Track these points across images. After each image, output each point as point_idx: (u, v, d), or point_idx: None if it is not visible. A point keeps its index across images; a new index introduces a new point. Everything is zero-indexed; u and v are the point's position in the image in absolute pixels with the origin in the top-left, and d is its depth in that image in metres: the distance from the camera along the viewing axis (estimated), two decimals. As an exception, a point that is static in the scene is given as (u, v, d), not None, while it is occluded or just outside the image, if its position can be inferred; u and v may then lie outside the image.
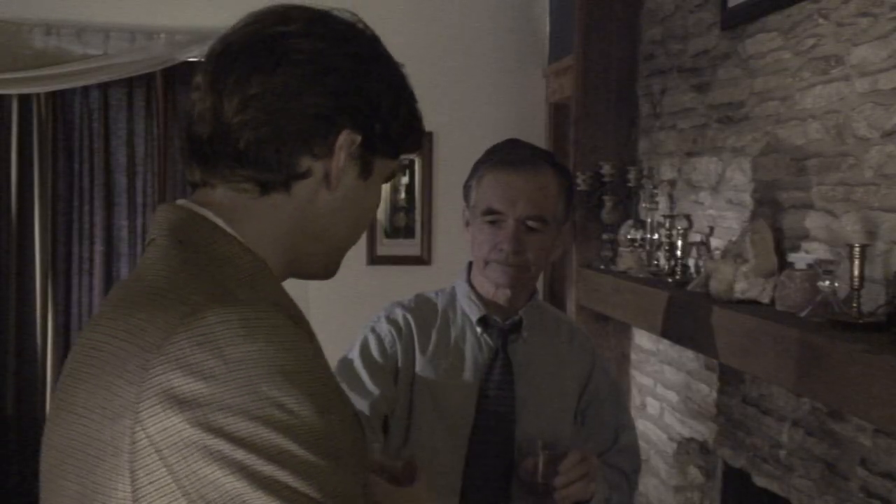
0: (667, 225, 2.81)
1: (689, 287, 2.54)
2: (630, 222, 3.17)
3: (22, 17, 4.09)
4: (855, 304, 1.86)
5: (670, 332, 2.60)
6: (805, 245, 2.23)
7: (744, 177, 2.56)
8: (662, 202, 3.01)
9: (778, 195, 2.36)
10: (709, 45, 2.80)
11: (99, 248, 4.31)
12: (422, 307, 1.87)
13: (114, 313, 0.92)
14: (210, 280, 0.90)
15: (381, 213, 4.30)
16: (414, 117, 1.06)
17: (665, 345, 3.07)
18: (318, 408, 0.85)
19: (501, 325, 1.82)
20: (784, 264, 2.25)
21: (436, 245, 4.33)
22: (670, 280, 2.73)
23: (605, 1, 3.43)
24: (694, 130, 2.90)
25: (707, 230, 2.75)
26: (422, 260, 4.35)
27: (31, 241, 4.22)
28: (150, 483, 0.82)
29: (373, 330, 1.83)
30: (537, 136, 4.32)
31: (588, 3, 3.44)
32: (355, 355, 1.82)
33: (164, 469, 0.81)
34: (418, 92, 1.07)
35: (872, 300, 1.89)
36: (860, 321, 1.83)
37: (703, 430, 2.79)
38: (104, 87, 4.26)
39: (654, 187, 3.08)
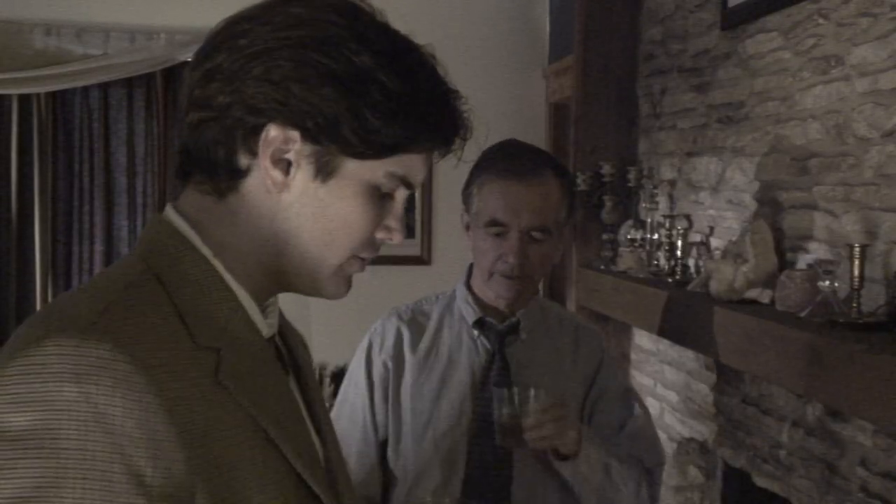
0: (667, 225, 2.81)
1: (689, 287, 2.54)
2: (630, 222, 3.18)
3: (22, 17, 4.09)
4: (855, 304, 1.86)
5: (670, 332, 2.60)
6: (805, 245, 2.23)
7: (744, 177, 2.56)
8: (662, 202, 3.01)
9: (778, 195, 2.36)
10: (709, 45, 2.80)
11: (99, 248, 4.31)
12: (417, 313, 1.89)
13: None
14: (90, 304, 0.82)
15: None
16: (405, 108, 0.90)
17: (665, 345, 3.07)
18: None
19: (498, 327, 1.82)
20: (784, 264, 2.25)
21: (436, 245, 4.33)
22: (670, 280, 2.73)
23: (605, 1, 3.43)
24: (694, 130, 2.90)
25: (707, 230, 2.75)
26: (422, 260, 4.35)
27: (31, 241, 4.22)
28: None
29: (365, 348, 1.87)
30: (537, 136, 4.32)
31: (588, 3, 3.44)
32: (348, 386, 1.88)
33: None
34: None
35: (872, 300, 1.89)
36: (860, 321, 1.83)
37: (703, 430, 2.79)
38: (104, 87, 4.25)
39: (654, 187, 3.08)
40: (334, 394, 1.94)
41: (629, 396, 1.92)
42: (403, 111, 0.90)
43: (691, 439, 2.88)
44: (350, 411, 1.85)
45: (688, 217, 2.87)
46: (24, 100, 4.16)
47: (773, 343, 1.98)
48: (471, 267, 1.88)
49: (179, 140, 0.93)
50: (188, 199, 0.93)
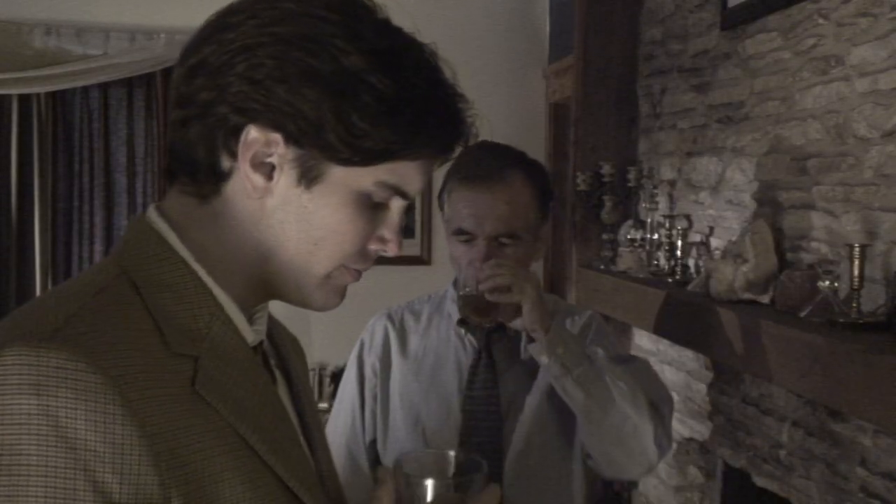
0: (667, 225, 2.81)
1: (689, 287, 2.54)
2: (630, 222, 3.18)
3: (22, 17, 4.10)
4: (855, 304, 1.86)
5: (670, 332, 2.60)
6: (805, 245, 2.23)
7: (744, 177, 2.56)
8: (662, 202, 3.01)
9: (778, 195, 2.36)
10: (709, 45, 2.80)
11: (99, 248, 4.31)
12: (408, 312, 1.90)
13: None
14: (56, 310, 0.78)
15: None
16: (397, 112, 0.84)
17: (665, 345, 3.07)
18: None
19: (484, 326, 1.82)
20: (784, 264, 2.25)
21: (436, 245, 4.33)
22: (670, 280, 2.73)
23: (605, 1, 3.43)
24: (694, 130, 2.90)
25: (707, 230, 2.75)
26: (422, 260, 4.36)
27: (31, 241, 4.22)
28: None
29: (357, 347, 1.88)
30: (537, 136, 4.33)
31: (588, 3, 3.44)
32: (343, 385, 1.89)
33: None
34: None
35: (872, 300, 1.89)
36: (860, 321, 1.83)
37: (703, 430, 2.79)
38: (104, 87, 4.26)
39: (654, 187, 3.08)
40: (334, 394, 1.96)
41: (625, 356, 1.86)
42: (395, 115, 0.84)
43: (691, 439, 2.88)
44: (342, 410, 1.87)
45: (688, 217, 2.87)
46: (24, 100, 4.17)
47: (773, 343, 1.98)
48: None
49: (167, 139, 0.90)
50: (172, 201, 0.89)
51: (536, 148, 4.14)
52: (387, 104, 0.83)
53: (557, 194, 1.98)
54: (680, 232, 2.74)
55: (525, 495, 1.75)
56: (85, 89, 4.24)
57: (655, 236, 2.98)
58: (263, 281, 0.89)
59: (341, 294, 0.93)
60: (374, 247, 0.91)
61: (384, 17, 0.88)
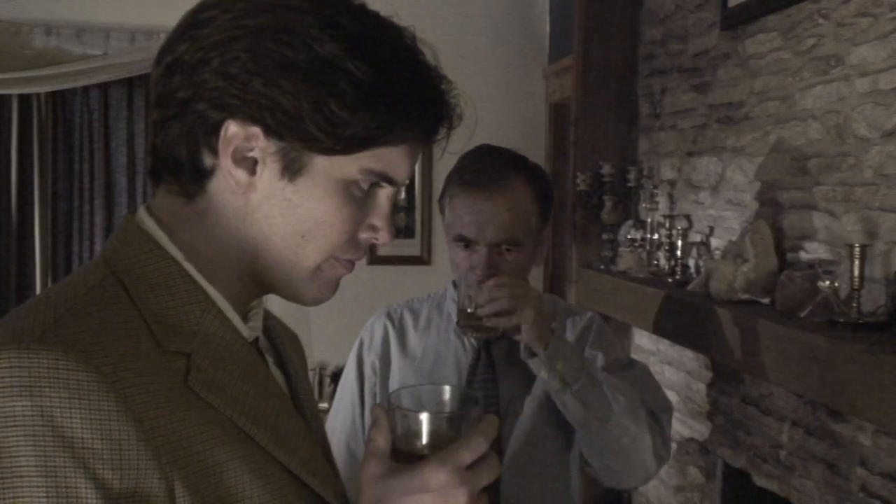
0: (667, 225, 2.81)
1: (689, 287, 2.54)
2: (630, 222, 3.18)
3: (22, 17, 4.09)
4: (855, 304, 1.86)
5: (670, 332, 2.60)
6: (805, 245, 2.23)
7: (744, 177, 2.56)
8: (662, 202, 3.01)
9: (778, 195, 2.36)
10: (709, 45, 2.80)
11: (99, 248, 4.31)
12: (407, 311, 1.90)
13: None
14: (46, 312, 0.77)
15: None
16: (376, 98, 0.83)
17: (665, 345, 3.07)
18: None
19: None
20: (784, 264, 2.25)
21: (436, 245, 4.33)
22: (670, 280, 2.73)
23: (605, 1, 3.43)
24: (694, 130, 2.91)
25: (707, 230, 2.75)
26: (422, 260, 4.36)
27: (31, 241, 4.22)
28: None
29: (357, 345, 1.89)
30: (537, 136, 4.33)
31: (588, 3, 3.44)
32: (342, 383, 1.89)
33: None
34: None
35: (872, 300, 1.89)
36: (860, 321, 1.83)
37: (703, 430, 2.79)
38: (104, 87, 4.25)
39: (654, 187, 3.08)
40: (335, 393, 1.96)
41: (625, 360, 1.85)
42: (374, 101, 0.82)
43: (691, 439, 2.88)
44: (342, 408, 1.87)
45: (688, 217, 2.87)
46: (24, 100, 4.16)
47: (773, 343, 1.98)
48: None
49: (149, 140, 0.89)
50: (160, 201, 0.89)
51: (536, 148, 4.15)
52: (365, 90, 0.82)
53: (557, 195, 1.97)
54: (680, 232, 2.74)
55: (524, 494, 1.75)
56: (85, 89, 4.24)
57: (655, 236, 2.99)
58: (255, 276, 0.89)
59: (333, 287, 0.92)
60: (364, 235, 0.90)
61: (359, 3, 0.87)
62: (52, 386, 0.71)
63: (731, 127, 2.65)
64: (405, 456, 0.85)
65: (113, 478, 0.72)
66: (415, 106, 0.85)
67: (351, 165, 0.85)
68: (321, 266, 0.88)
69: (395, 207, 0.91)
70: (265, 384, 0.89)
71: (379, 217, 0.90)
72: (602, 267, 3.27)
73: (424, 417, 0.85)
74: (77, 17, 4.14)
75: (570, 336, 1.85)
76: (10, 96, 4.14)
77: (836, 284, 1.94)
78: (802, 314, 2.00)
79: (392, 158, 0.87)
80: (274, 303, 1.00)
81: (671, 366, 3.07)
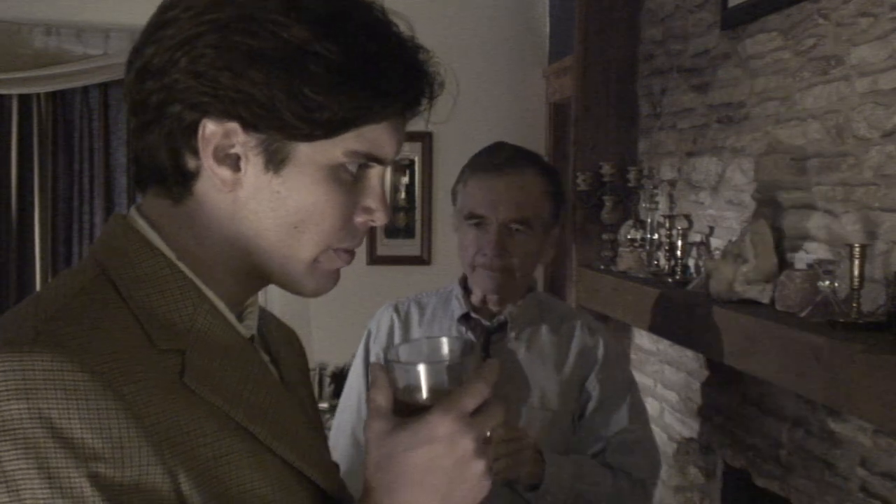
0: (667, 225, 2.81)
1: (689, 287, 2.54)
2: (630, 222, 3.17)
3: (22, 17, 4.09)
4: (855, 304, 1.86)
5: (670, 332, 2.60)
6: (805, 245, 2.23)
7: (744, 177, 2.56)
8: (662, 202, 3.01)
9: (778, 195, 2.36)
10: (709, 45, 2.80)
11: (99, 247, 4.31)
12: (414, 305, 1.93)
13: None
14: (36, 314, 0.77)
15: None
16: (351, 77, 0.80)
17: (665, 345, 3.07)
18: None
19: (485, 325, 1.83)
20: (784, 264, 2.25)
21: (436, 245, 4.33)
22: (670, 280, 2.73)
23: (605, 1, 3.43)
24: (694, 130, 2.91)
25: (707, 230, 2.75)
26: (422, 260, 4.36)
27: (31, 241, 4.22)
28: None
29: (365, 337, 1.93)
30: (537, 136, 4.33)
31: (588, 3, 3.44)
32: (351, 374, 1.94)
33: None
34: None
35: (872, 300, 1.89)
36: (860, 321, 1.83)
37: (703, 431, 2.79)
38: (104, 87, 4.25)
39: (654, 187, 3.08)
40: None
41: (626, 405, 1.88)
42: (349, 81, 0.80)
43: (691, 439, 2.88)
44: (350, 397, 1.91)
45: (688, 217, 2.87)
46: (24, 100, 4.16)
47: (773, 343, 1.98)
48: None
49: (130, 148, 0.88)
50: (149, 205, 0.88)
51: (536, 148, 4.13)
52: (338, 71, 0.80)
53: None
54: (680, 232, 2.74)
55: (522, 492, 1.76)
56: (85, 89, 4.24)
57: (655, 236, 2.98)
58: (251, 272, 0.87)
59: (334, 278, 0.91)
60: (360, 219, 0.88)
61: None
62: (49, 388, 0.71)
63: (730, 127, 2.65)
64: (408, 410, 0.84)
65: (116, 476, 0.71)
66: (391, 80, 0.83)
67: (335, 149, 0.83)
68: (319, 258, 0.87)
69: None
70: (262, 378, 0.88)
71: (372, 198, 0.88)
72: (602, 267, 3.27)
73: (423, 368, 0.84)
74: (77, 17, 4.14)
75: (569, 350, 1.86)
76: (9, 96, 4.14)
77: (836, 284, 1.94)
78: (802, 314, 2.00)
79: (376, 137, 0.85)
80: (274, 303, 1.00)
81: (671, 366, 3.07)
